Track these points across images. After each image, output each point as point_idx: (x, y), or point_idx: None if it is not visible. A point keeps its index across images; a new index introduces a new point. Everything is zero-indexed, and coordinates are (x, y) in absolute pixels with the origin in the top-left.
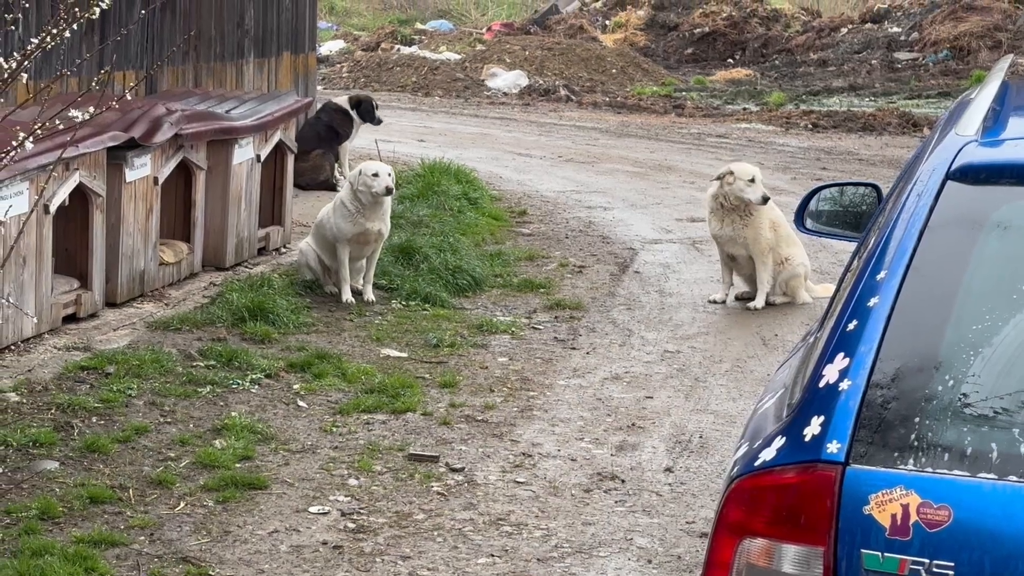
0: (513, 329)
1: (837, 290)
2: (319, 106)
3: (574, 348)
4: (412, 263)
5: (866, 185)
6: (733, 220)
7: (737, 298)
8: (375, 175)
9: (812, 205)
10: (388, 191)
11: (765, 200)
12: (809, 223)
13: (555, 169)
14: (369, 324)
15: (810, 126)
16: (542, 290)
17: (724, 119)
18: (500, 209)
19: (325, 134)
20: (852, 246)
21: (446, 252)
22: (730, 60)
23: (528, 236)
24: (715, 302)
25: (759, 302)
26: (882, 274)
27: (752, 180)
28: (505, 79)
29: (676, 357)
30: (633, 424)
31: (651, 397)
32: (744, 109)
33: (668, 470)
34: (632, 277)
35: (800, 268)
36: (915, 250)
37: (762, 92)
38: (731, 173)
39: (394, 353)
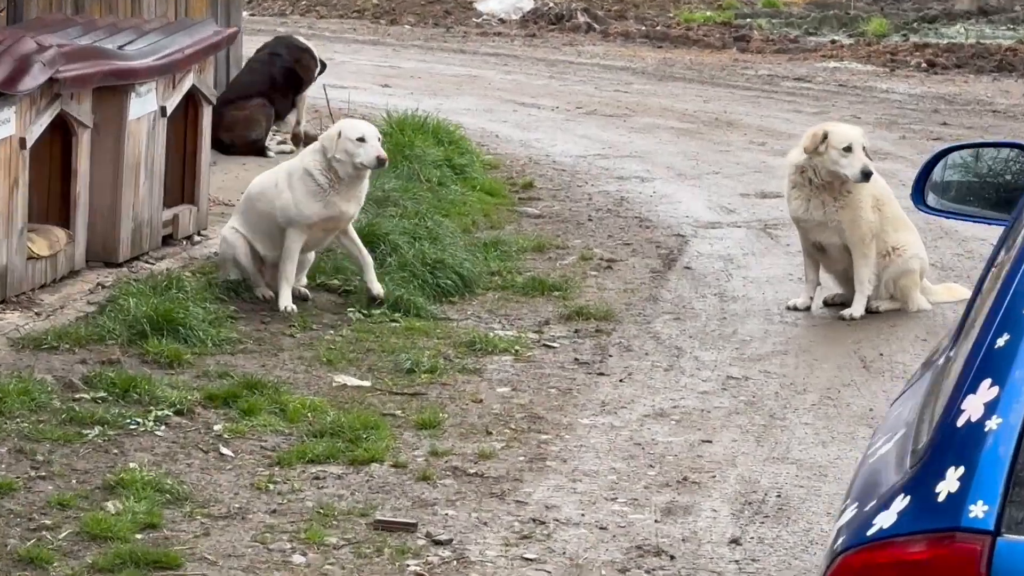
0: (517, 348)
1: (977, 293)
2: (270, 42)
3: (602, 374)
4: (376, 256)
5: (1011, 146)
6: (823, 198)
7: (826, 303)
8: (360, 140)
9: (936, 174)
10: (380, 162)
11: (867, 176)
12: (932, 199)
13: (572, 125)
14: (317, 341)
15: (924, 65)
16: (556, 293)
17: (805, 56)
18: (497, 180)
19: (282, 80)
20: (992, 231)
21: (423, 241)
22: None
23: (536, 218)
24: (796, 309)
25: (857, 309)
26: None
27: (849, 148)
28: (502, 1)
29: (743, 386)
30: (685, 479)
31: (709, 441)
32: (833, 42)
33: (735, 542)
34: (681, 275)
35: (914, 262)
36: None
37: (857, 18)
38: (824, 138)
39: (353, 381)
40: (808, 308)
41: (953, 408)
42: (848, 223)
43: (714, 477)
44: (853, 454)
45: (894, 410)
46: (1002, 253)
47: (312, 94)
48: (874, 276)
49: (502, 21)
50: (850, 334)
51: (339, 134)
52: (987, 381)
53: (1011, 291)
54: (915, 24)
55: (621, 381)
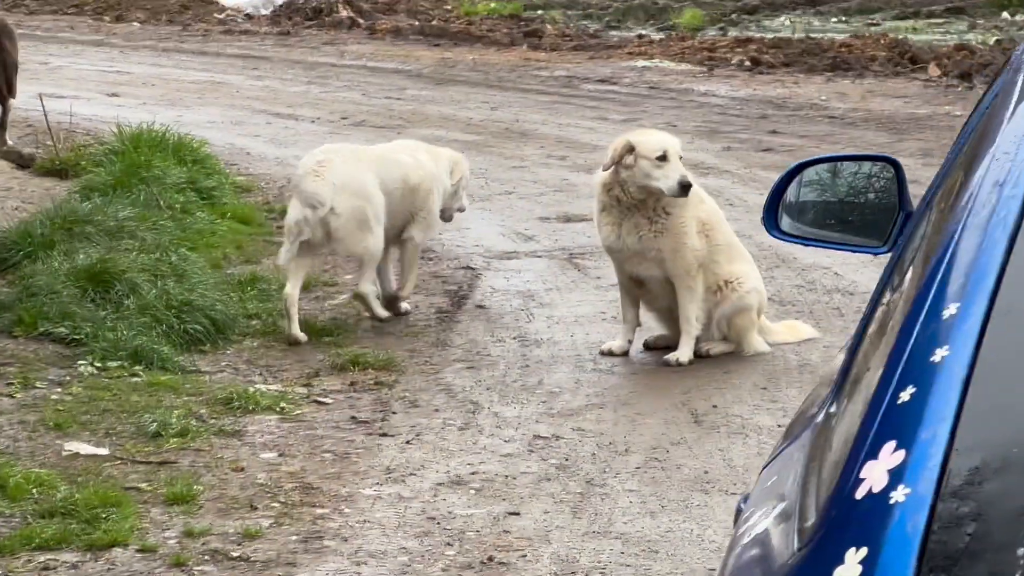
0: (283, 405)
1: (860, 337)
2: None
3: (385, 434)
4: (111, 298)
5: (877, 160)
6: (638, 223)
7: (648, 347)
8: None
9: (791, 194)
10: None
11: (685, 189)
12: (786, 223)
13: (338, 139)
14: (42, 401)
15: (748, 63)
16: (328, 339)
17: (609, 53)
18: (251, 206)
19: None
20: (843, 258)
21: (166, 279)
22: None
23: None
24: (612, 354)
25: (684, 353)
26: (951, 310)
27: (663, 157)
28: None
29: (553, 446)
30: (491, 558)
31: (517, 513)
32: (640, 37)
33: None
34: (473, 315)
35: (751, 297)
36: (1003, 270)
37: (666, 9)
38: (630, 150)
39: (87, 449)
40: (626, 353)
41: (850, 477)
42: (669, 252)
43: (524, 556)
44: (687, 526)
45: (766, 478)
46: (889, 290)
47: (22, 105)
48: (703, 314)
49: (249, 17)
50: (677, 383)
51: None
52: (890, 444)
53: (914, 335)
54: (733, 16)
55: (408, 443)
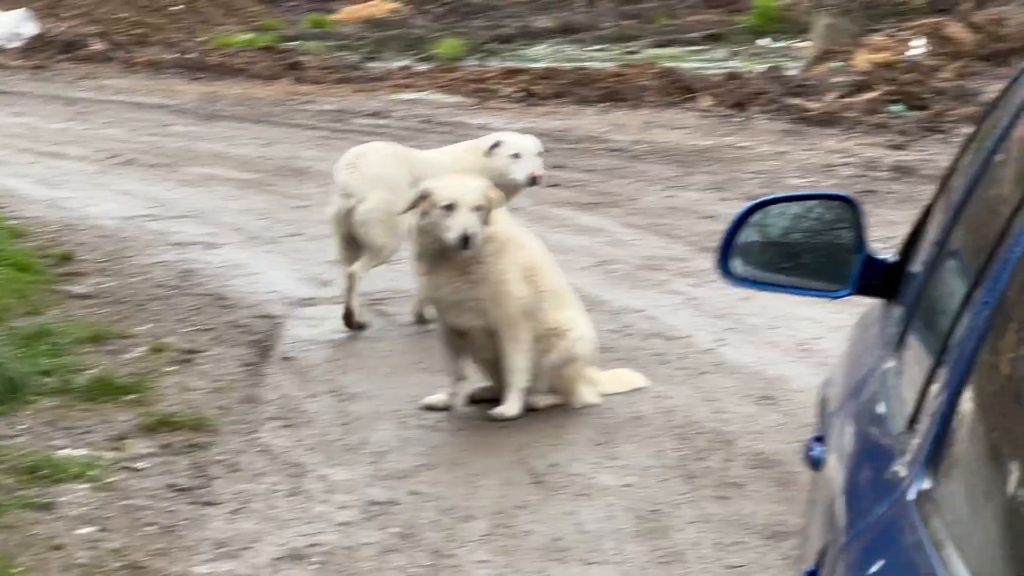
0: (94, 472)
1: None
2: None
3: (209, 503)
4: None
5: (834, 199)
6: (450, 272)
7: (474, 400)
8: None
9: (743, 236)
10: None
11: (465, 241)
12: (739, 267)
13: (109, 179)
14: None
15: (521, 95)
16: (130, 397)
17: (375, 86)
18: (27, 252)
19: None
20: (668, 301)
21: None
22: None
23: (86, 299)
24: (434, 408)
25: (512, 407)
26: None
27: (450, 206)
28: None
29: (391, 513)
30: None
31: None
32: (404, 68)
33: None
34: (281, 368)
35: (580, 346)
36: None
37: (424, 39)
38: (424, 196)
39: None
40: (450, 407)
41: None
42: (490, 301)
43: None
44: None
45: None
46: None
47: None
48: (530, 364)
49: (0, 50)
50: (509, 439)
51: None
52: None
53: None
54: (491, 44)
55: (236, 512)
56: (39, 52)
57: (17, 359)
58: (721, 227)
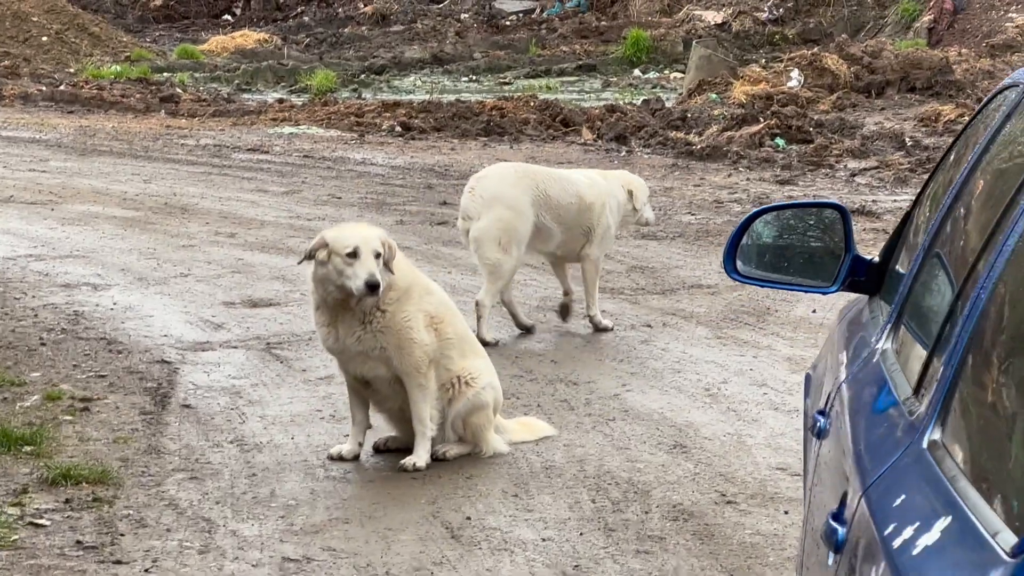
0: None
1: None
2: None
3: (120, 561)
4: None
5: (826, 207)
6: (351, 322)
7: (378, 449)
8: None
9: (747, 239)
10: None
11: (372, 288)
12: (741, 266)
13: None
14: None
15: (399, 129)
16: (28, 448)
17: (252, 119)
18: None
19: None
20: (569, 344)
21: None
22: (227, 16)
23: None
24: (341, 458)
25: (421, 457)
26: None
27: (353, 253)
28: None
29: (308, 570)
30: None
31: None
32: (281, 101)
33: None
34: (181, 416)
35: (486, 393)
36: None
37: (296, 70)
38: (324, 245)
39: None
40: (357, 457)
41: None
42: (394, 350)
43: None
44: None
45: None
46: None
47: None
48: (437, 413)
49: None
50: (422, 491)
51: None
52: None
53: None
54: (363, 75)
55: (147, 571)
56: None
57: None
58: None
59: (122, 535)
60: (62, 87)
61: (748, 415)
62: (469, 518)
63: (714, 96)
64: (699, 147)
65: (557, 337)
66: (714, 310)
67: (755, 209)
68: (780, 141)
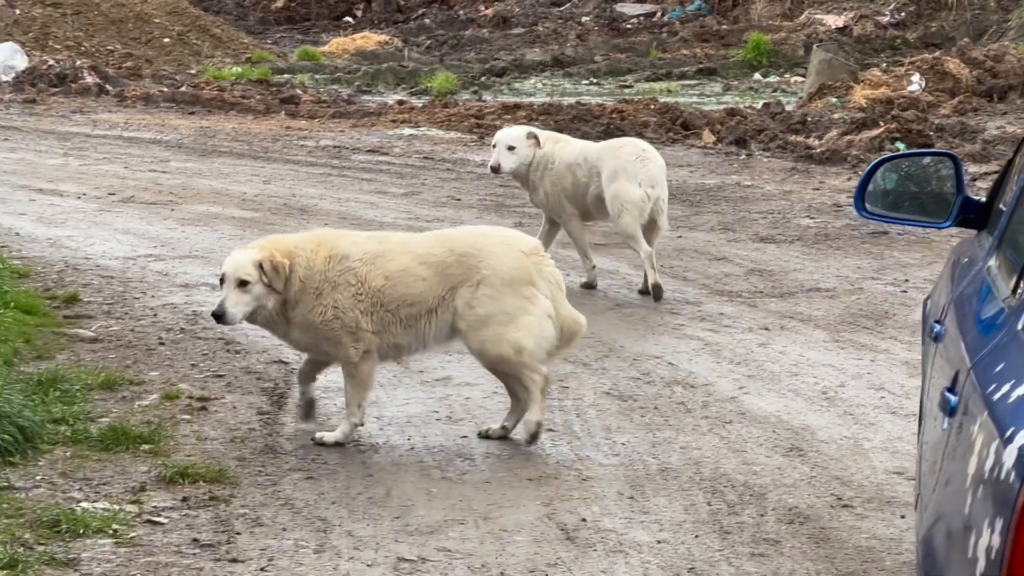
0: (116, 526)
1: None
2: None
3: (236, 560)
4: None
5: (940, 155)
6: (275, 324)
7: (483, 436)
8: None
9: (874, 183)
10: None
11: (216, 318)
12: (870, 206)
13: (109, 217)
14: None
15: None
16: (146, 447)
17: (372, 121)
18: (32, 294)
19: None
20: (687, 347)
21: None
22: (348, 19)
23: (93, 343)
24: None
25: (329, 435)
26: None
27: (220, 280)
28: None
29: (422, 570)
30: None
31: None
32: (401, 103)
33: None
34: (297, 417)
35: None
36: None
37: (417, 72)
38: None
39: None
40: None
41: None
42: (323, 343)
43: None
44: None
45: None
46: None
47: None
48: (365, 401)
49: None
50: (537, 493)
51: None
52: None
53: None
54: (483, 78)
55: (263, 570)
56: (30, 85)
57: (28, 407)
58: (732, 269)
59: (238, 534)
60: (183, 88)
61: (865, 419)
62: (584, 520)
63: (834, 100)
64: (819, 151)
65: (675, 339)
66: (832, 313)
67: (879, 158)
68: (900, 145)
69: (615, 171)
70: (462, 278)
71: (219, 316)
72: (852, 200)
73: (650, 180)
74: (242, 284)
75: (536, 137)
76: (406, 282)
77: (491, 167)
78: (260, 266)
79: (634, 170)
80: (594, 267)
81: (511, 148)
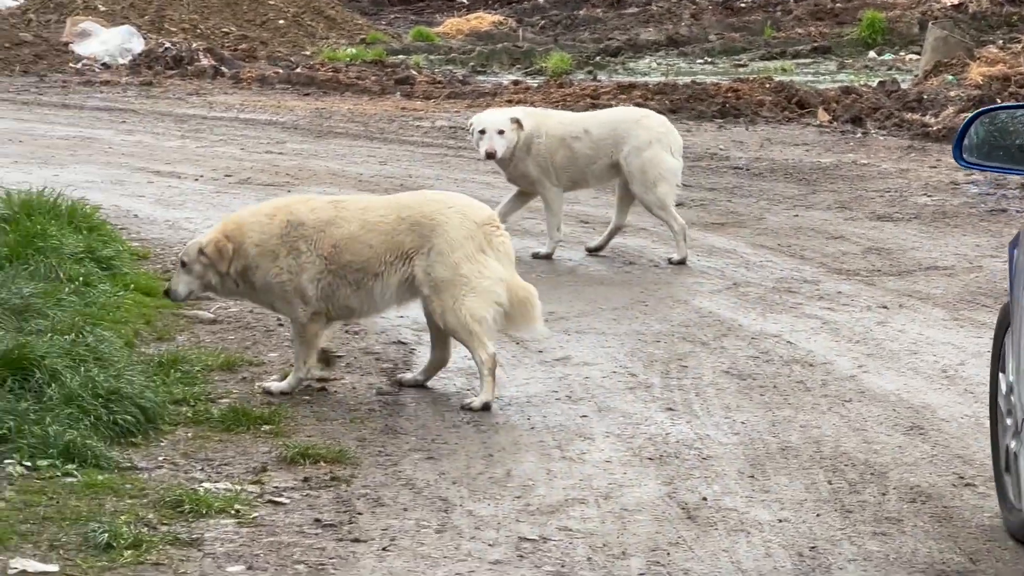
0: (238, 507)
1: None
2: None
3: (358, 540)
4: (30, 387)
5: None
6: (230, 292)
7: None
8: None
9: (971, 134)
10: None
11: (166, 293)
12: (967, 155)
13: (226, 199)
14: None
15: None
16: (267, 427)
17: (486, 101)
18: (151, 275)
19: None
20: (805, 326)
21: (87, 363)
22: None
23: (212, 324)
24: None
25: (274, 384)
26: None
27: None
28: (105, 41)
29: (543, 550)
30: None
31: None
32: (516, 83)
33: None
34: (418, 396)
35: None
36: None
37: (531, 52)
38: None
39: (35, 566)
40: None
41: None
42: (276, 305)
43: None
44: None
45: None
46: None
47: None
48: (311, 359)
49: (107, 67)
50: (657, 472)
51: None
52: None
53: None
54: (598, 58)
55: (385, 550)
56: (147, 68)
57: (150, 388)
58: (850, 248)
59: (360, 514)
60: (298, 70)
61: (986, 397)
62: (705, 499)
63: (950, 78)
64: (935, 129)
65: (793, 318)
66: (951, 291)
67: (977, 111)
68: None
69: (648, 141)
70: (413, 246)
71: (166, 292)
72: (967, 175)
73: (680, 150)
74: (183, 265)
75: (519, 122)
76: (352, 249)
77: (487, 153)
78: (201, 251)
79: (667, 141)
80: (560, 241)
81: (501, 132)
